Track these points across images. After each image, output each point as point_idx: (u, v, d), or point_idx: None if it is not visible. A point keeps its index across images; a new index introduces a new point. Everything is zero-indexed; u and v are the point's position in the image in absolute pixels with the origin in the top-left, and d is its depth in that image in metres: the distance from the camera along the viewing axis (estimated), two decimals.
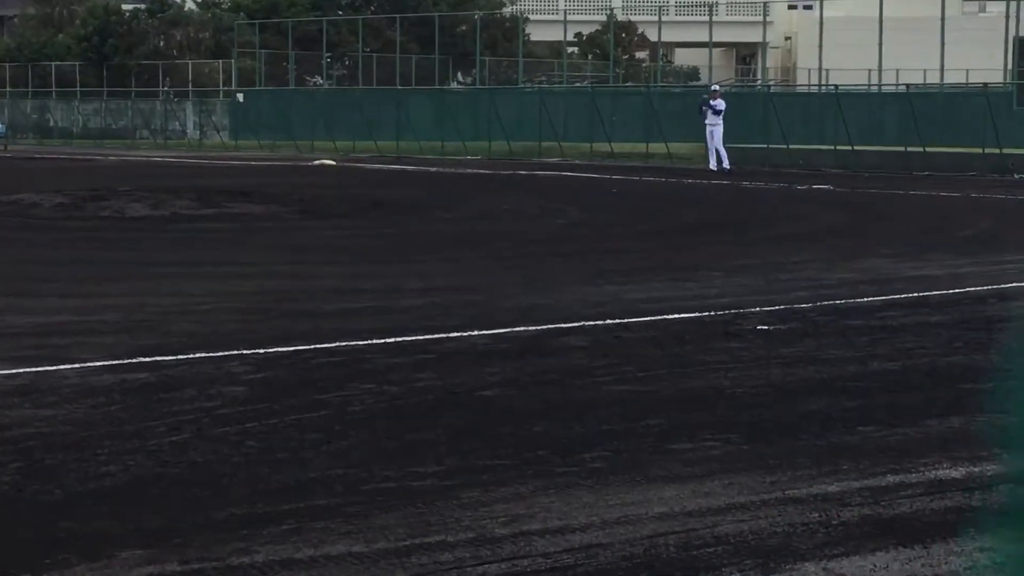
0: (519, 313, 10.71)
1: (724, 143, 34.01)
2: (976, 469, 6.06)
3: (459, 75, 61.75)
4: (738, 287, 12.44)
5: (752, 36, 61.47)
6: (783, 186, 28.03)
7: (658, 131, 40.21)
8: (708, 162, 34.30)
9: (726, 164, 33.44)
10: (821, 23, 41.92)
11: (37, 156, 44.95)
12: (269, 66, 57.62)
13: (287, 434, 6.77)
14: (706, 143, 34.72)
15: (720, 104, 34.21)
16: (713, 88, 36.77)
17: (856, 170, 33.21)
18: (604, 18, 64.40)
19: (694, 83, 59.97)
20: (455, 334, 9.71)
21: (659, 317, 10.57)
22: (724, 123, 33.95)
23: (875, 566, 4.85)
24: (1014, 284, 12.73)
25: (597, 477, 5.97)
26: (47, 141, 57.65)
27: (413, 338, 9.49)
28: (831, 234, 18.32)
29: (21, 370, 8.30)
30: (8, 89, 63.18)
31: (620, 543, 5.07)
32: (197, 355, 8.78)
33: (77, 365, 8.47)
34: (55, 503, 5.63)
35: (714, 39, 52.45)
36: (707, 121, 34.21)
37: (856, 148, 35.12)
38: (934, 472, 6.05)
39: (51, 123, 61.69)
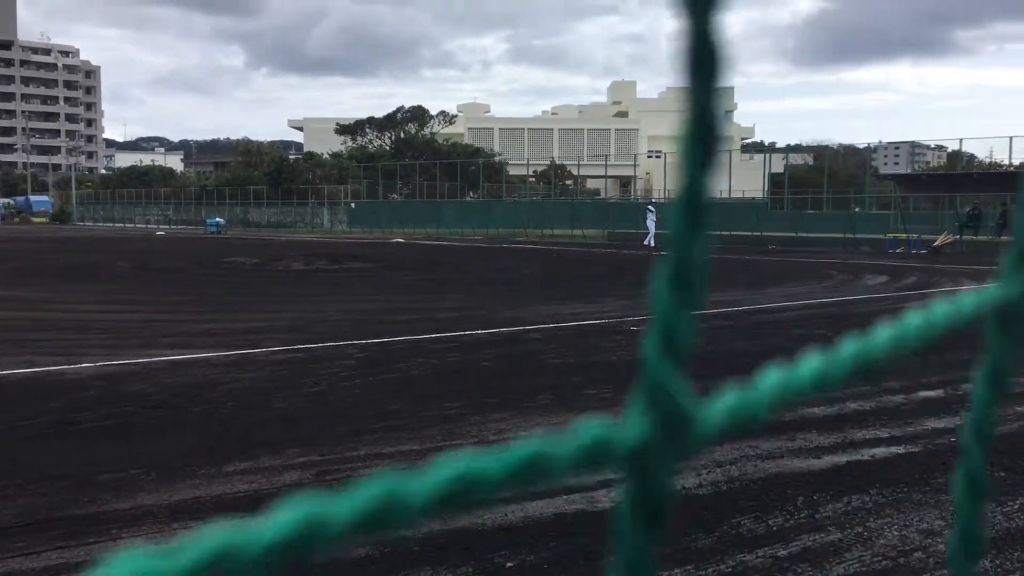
0: (504, 320, 10.75)
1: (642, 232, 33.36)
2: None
3: (470, 193, 61.64)
4: (620, 306, 12.49)
5: (629, 172, 61.96)
6: (653, 253, 28.09)
7: (578, 223, 40.50)
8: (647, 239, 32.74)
9: (651, 242, 32.27)
10: (665, 166, 42.24)
11: (242, 238, 44.75)
12: (368, 188, 57.82)
13: (378, 386, 6.79)
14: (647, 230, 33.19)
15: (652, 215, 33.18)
16: (649, 206, 35.11)
17: None
18: (548, 162, 64.87)
19: (598, 197, 60.07)
20: (469, 332, 9.75)
21: (579, 323, 10.62)
22: (632, 223, 33.12)
23: None
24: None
25: (545, 409, 6.00)
26: (248, 229, 57.44)
27: (446, 334, 9.54)
28: None
29: (233, 352, 8.30)
30: (227, 201, 63.36)
31: None
32: (328, 344, 8.80)
33: (263, 349, 8.48)
34: (253, 423, 5.64)
35: (608, 174, 53.03)
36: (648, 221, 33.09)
37: None
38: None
39: (250, 219, 61.48)
